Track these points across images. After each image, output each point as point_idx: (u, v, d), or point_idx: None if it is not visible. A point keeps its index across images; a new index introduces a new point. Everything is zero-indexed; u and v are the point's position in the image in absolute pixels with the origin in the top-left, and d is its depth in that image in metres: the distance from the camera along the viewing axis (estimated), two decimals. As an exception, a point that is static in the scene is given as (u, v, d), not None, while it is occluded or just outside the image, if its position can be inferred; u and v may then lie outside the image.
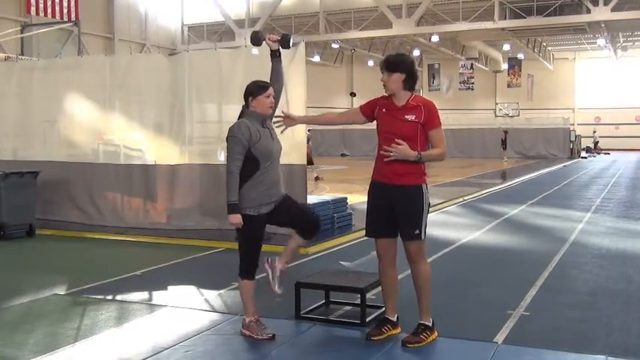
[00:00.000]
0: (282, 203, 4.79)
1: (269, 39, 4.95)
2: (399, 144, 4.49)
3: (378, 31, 31.19)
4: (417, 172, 4.61)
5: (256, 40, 5.08)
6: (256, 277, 4.80)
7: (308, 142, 20.00)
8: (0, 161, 10.67)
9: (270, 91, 4.72)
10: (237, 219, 4.57)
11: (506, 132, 34.77)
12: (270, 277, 4.88)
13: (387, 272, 4.78)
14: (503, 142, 33.94)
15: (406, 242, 4.65)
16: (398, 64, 4.63)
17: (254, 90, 4.70)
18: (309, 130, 20.56)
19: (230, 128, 4.65)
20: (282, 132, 4.99)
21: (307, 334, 4.92)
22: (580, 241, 9.12)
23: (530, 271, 7.06)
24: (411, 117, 4.55)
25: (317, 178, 19.44)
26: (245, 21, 32.27)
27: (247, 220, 4.61)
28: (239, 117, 4.75)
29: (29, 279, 6.86)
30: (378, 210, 4.70)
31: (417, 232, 4.60)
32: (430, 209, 4.75)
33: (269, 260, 4.91)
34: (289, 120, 5.03)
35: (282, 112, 5.02)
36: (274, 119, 4.92)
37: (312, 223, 4.90)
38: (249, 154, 4.58)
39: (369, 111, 4.82)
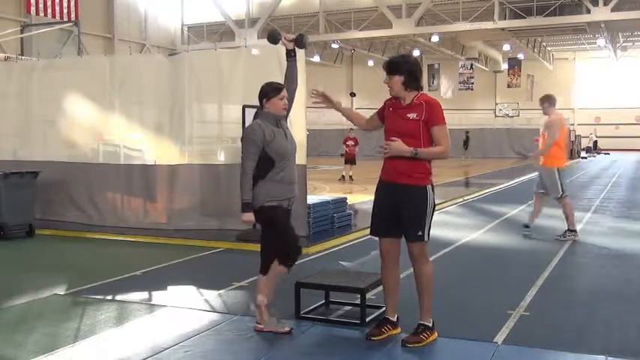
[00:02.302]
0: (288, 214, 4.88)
1: (285, 38, 4.98)
2: (394, 141, 4.53)
3: (378, 31, 31.23)
4: (423, 172, 4.62)
5: (273, 39, 5.11)
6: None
7: (351, 143, 20.06)
8: (0, 161, 10.67)
9: (284, 93, 4.79)
10: (249, 217, 4.66)
11: (467, 132, 35.45)
12: (269, 327, 4.81)
13: (389, 272, 4.79)
14: (465, 143, 34.65)
15: (409, 243, 4.66)
16: (397, 66, 4.65)
17: (268, 92, 4.77)
18: (351, 130, 20.61)
19: (244, 129, 4.79)
20: (314, 102, 5.04)
21: (307, 334, 4.92)
22: (580, 241, 9.11)
23: (530, 271, 7.06)
24: (412, 115, 4.58)
25: (351, 178, 19.48)
26: (245, 21, 32.33)
27: (267, 210, 4.68)
28: (254, 118, 4.84)
29: (29, 279, 6.85)
30: (383, 209, 4.70)
31: (420, 233, 4.60)
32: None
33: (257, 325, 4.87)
34: (326, 100, 5.03)
35: (321, 92, 5.02)
36: (312, 95, 4.98)
37: (295, 252, 4.90)
38: (264, 154, 4.66)
39: (381, 115, 4.85)
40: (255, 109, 4.94)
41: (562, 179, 9.06)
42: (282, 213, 4.76)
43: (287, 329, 4.86)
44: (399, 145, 4.53)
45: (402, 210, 4.60)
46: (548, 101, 9.12)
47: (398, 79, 4.61)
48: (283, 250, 4.82)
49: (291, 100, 4.94)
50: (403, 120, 4.60)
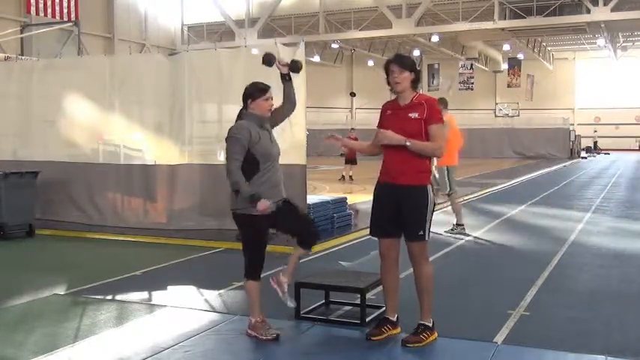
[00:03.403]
0: (284, 207, 4.80)
1: (279, 63, 4.96)
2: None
3: (378, 31, 31.22)
4: (423, 172, 4.63)
5: (267, 63, 5.10)
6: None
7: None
8: (0, 161, 10.67)
9: (270, 94, 4.75)
10: (264, 204, 4.51)
11: None
12: (281, 294, 4.91)
13: (389, 272, 4.78)
14: None
15: (409, 243, 4.66)
16: (410, 63, 4.68)
17: (253, 92, 4.73)
18: (352, 129, 20.54)
19: (230, 129, 4.69)
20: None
21: (307, 334, 4.92)
22: (580, 241, 9.12)
23: (530, 271, 7.06)
24: (414, 115, 4.58)
25: (351, 178, 19.46)
26: (245, 21, 32.33)
27: (249, 220, 4.63)
28: (238, 118, 4.79)
29: (29, 279, 6.85)
30: (382, 209, 4.70)
31: (421, 233, 4.61)
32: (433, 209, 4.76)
33: (274, 278, 4.93)
34: (335, 139, 4.99)
35: (330, 135, 4.99)
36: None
37: (313, 235, 4.92)
38: (249, 155, 4.60)
39: (382, 126, 4.78)
40: None
41: (451, 177, 9.58)
42: (259, 224, 4.67)
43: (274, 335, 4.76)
44: (392, 135, 4.55)
45: (402, 210, 4.59)
46: (442, 104, 9.68)
47: (408, 76, 4.62)
48: (247, 261, 4.79)
49: (284, 116, 4.94)
50: (404, 120, 4.60)
